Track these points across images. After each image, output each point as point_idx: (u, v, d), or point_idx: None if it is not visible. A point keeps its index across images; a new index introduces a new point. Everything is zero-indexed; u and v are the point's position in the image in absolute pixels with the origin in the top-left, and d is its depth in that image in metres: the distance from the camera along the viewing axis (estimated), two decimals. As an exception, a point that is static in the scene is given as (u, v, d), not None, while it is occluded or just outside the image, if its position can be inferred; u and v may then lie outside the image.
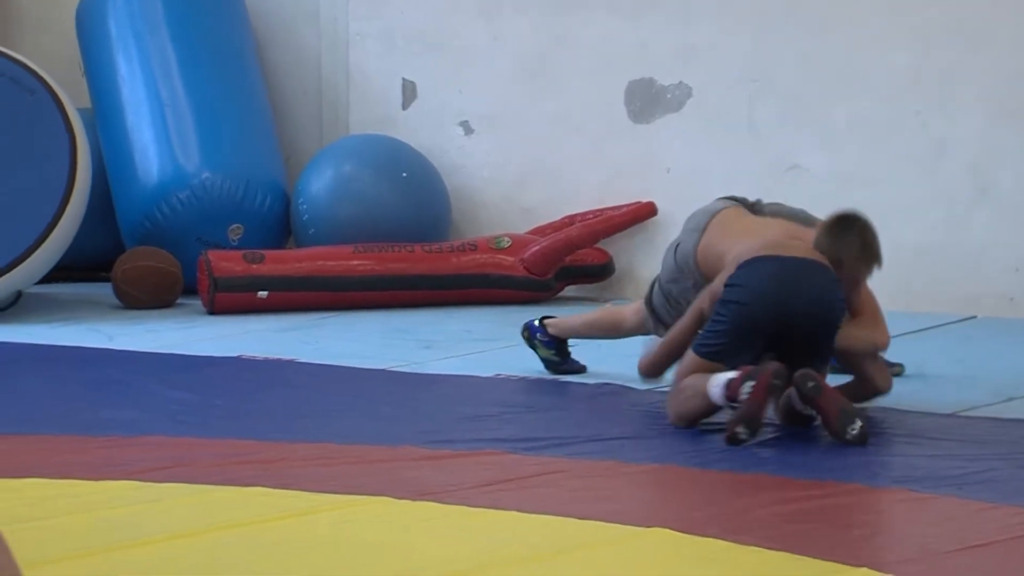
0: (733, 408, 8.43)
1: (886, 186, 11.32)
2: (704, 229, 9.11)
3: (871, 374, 8.71)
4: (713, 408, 8.53)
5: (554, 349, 9.86)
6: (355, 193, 12.29)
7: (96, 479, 7.97)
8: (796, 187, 11.27)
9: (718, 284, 8.65)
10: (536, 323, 9.85)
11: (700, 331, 8.72)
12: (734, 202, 9.23)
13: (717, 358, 8.48)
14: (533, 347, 9.91)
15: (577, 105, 12.28)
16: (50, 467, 8.21)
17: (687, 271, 9.13)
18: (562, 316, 9.96)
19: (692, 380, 8.59)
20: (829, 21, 11.65)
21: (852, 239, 8.63)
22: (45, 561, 6.60)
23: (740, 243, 8.83)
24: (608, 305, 9.98)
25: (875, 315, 8.90)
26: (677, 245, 9.21)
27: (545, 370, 9.88)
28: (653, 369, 9.05)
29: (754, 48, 11.91)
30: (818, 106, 11.74)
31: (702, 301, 8.77)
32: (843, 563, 6.73)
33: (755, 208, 9.21)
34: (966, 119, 11.39)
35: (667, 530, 7.15)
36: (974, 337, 11.13)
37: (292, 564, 6.93)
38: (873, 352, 8.73)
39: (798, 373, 8.21)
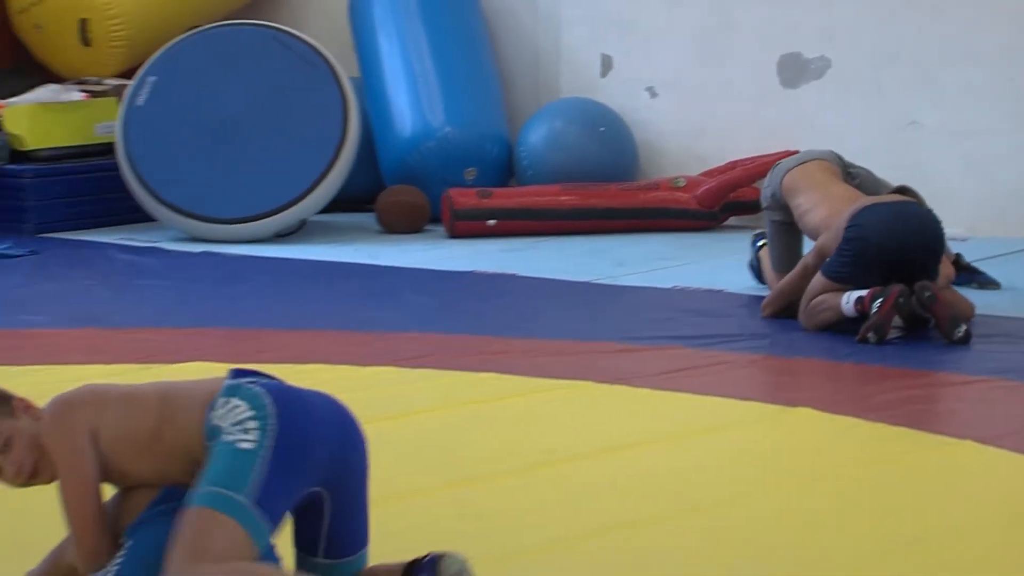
0: (862, 319, 8.44)
1: (987, 137, 11.24)
2: (799, 163, 9.28)
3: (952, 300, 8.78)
4: (843, 319, 8.54)
5: None
6: (563, 143, 12.24)
7: (365, 365, 8.11)
8: (914, 138, 11.18)
9: (824, 241, 8.76)
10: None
11: (818, 269, 8.75)
12: (835, 156, 9.30)
13: (844, 281, 8.56)
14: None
15: (739, 74, 12.25)
16: (330, 355, 8.36)
17: (773, 182, 9.31)
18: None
19: (824, 297, 8.66)
20: (941, 5, 11.55)
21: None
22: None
23: (824, 204, 8.96)
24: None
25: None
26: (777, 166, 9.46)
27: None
28: (771, 309, 9.11)
29: (881, 26, 11.86)
30: (933, 73, 11.64)
31: (808, 257, 8.90)
32: (951, 436, 6.87)
33: (847, 167, 9.26)
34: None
35: (810, 409, 7.26)
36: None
37: (515, 432, 7.11)
38: (947, 284, 8.82)
39: (917, 284, 8.33)
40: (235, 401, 4.53)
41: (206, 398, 4.60)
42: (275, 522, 4.48)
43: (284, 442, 4.49)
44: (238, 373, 4.63)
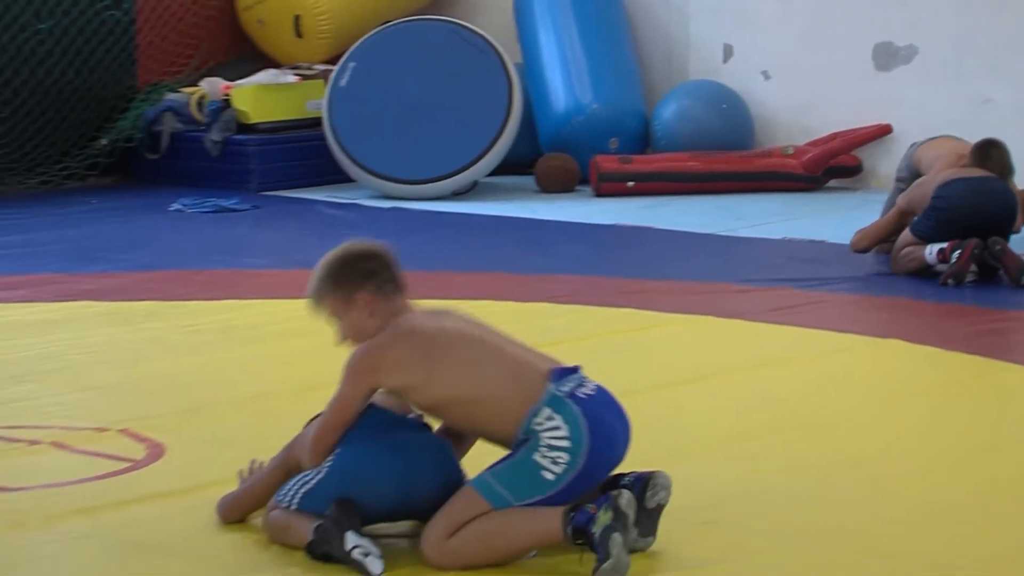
0: (943, 266, 8.54)
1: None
2: (925, 143, 9.38)
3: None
4: (926, 266, 8.63)
5: None
6: (691, 118, 12.25)
7: (525, 302, 8.25)
8: (988, 115, 11.14)
9: (916, 192, 8.85)
10: None
11: (906, 222, 8.82)
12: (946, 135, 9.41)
13: (928, 240, 8.65)
14: None
15: (840, 59, 12.20)
16: (497, 293, 8.43)
17: (907, 154, 9.44)
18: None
19: (911, 248, 8.78)
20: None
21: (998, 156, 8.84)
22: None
23: (938, 161, 9.04)
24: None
25: None
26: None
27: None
28: (863, 245, 9.15)
29: (960, 17, 11.81)
30: (1005, 58, 11.64)
31: (901, 203, 8.95)
32: (1018, 363, 7.07)
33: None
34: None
35: (899, 340, 7.42)
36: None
37: (653, 357, 7.33)
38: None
39: (990, 239, 8.41)
40: (558, 421, 4.49)
41: (530, 395, 4.54)
42: None
43: (578, 481, 4.48)
44: (561, 373, 4.59)
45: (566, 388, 4.55)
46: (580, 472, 4.46)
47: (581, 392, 4.56)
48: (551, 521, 4.42)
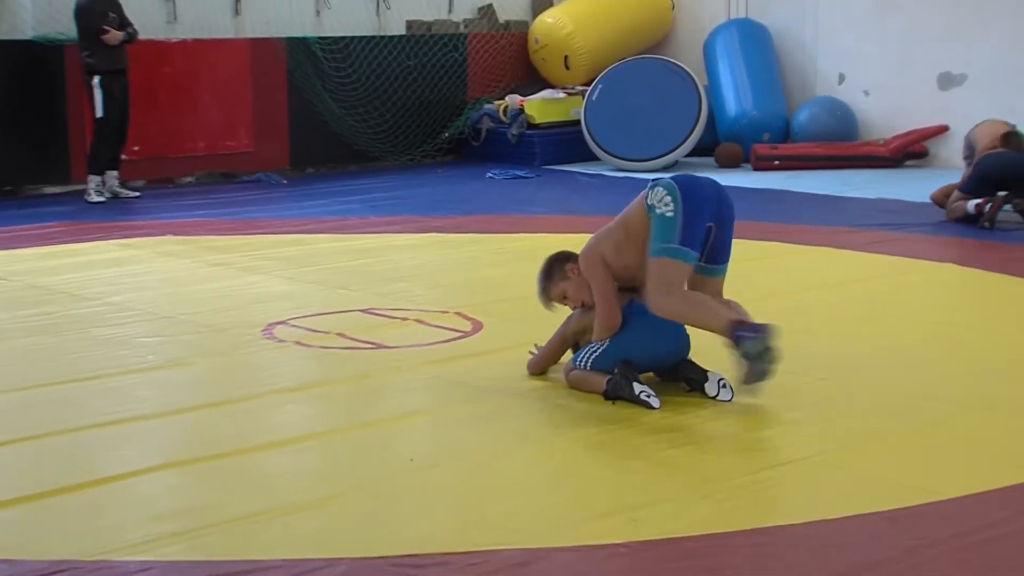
0: (979, 215, 8.34)
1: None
2: (976, 127, 9.07)
3: None
4: (967, 215, 8.43)
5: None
6: (817, 121, 12.00)
7: None
8: (1014, 120, 10.78)
9: (966, 173, 8.63)
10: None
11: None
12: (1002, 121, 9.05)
13: (971, 194, 8.44)
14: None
15: (916, 82, 11.89)
16: None
17: (967, 137, 9.02)
18: None
19: (958, 204, 8.50)
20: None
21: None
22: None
23: (980, 142, 8.73)
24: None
25: None
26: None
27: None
28: (941, 201, 8.91)
29: (996, 58, 11.45)
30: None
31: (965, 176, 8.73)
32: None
33: (1010, 126, 8.94)
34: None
35: (952, 264, 7.30)
36: None
37: (789, 272, 7.09)
38: None
39: (1017, 197, 8.28)
40: (658, 188, 4.48)
41: (642, 198, 4.55)
42: (697, 249, 4.46)
43: (688, 205, 4.42)
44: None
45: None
46: (684, 202, 4.40)
47: (669, 175, 4.63)
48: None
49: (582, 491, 3.80)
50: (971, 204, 8.49)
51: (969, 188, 8.59)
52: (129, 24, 9.93)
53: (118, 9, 9.94)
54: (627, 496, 3.69)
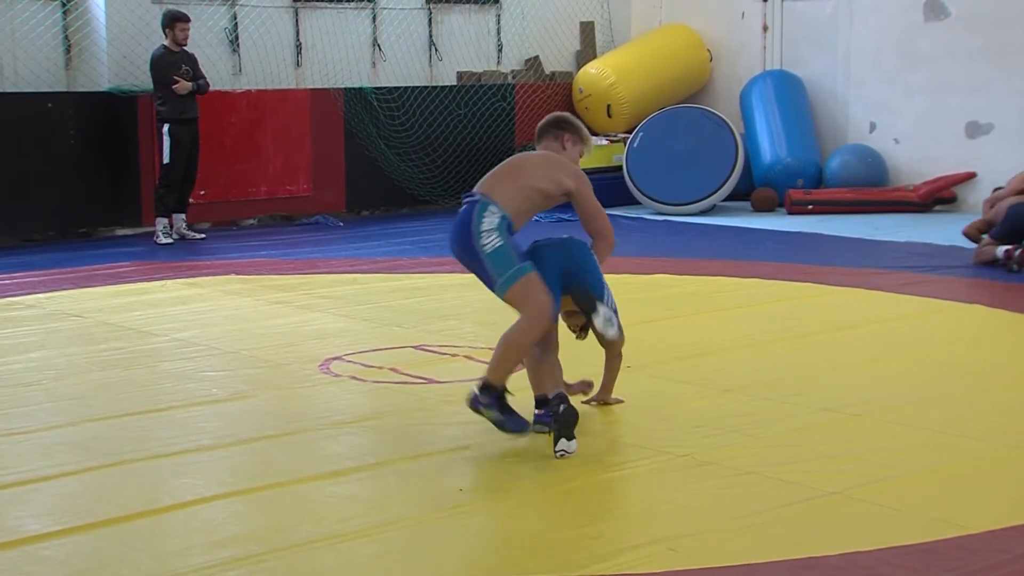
0: (1008, 260, 8.29)
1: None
2: (1014, 177, 9.00)
3: None
4: (995, 260, 8.40)
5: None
6: (848, 167, 11.90)
7: (742, 278, 7.99)
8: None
9: (994, 211, 8.56)
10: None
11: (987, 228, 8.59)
12: None
13: (1001, 241, 8.39)
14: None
15: (943, 131, 11.76)
16: (725, 272, 8.18)
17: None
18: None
19: (987, 248, 8.48)
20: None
21: None
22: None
23: (1012, 191, 8.69)
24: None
25: None
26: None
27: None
28: (974, 236, 8.85)
29: (1020, 109, 11.32)
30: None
31: (987, 216, 8.70)
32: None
33: None
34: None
35: (980, 305, 7.23)
36: None
37: (823, 311, 7.03)
38: None
39: None
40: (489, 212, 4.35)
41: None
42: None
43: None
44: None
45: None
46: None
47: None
48: None
49: (621, 522, 3.79)
50: (1000, 250, 8.45)
51: (999, 234, 8.55)
52: (201, 76, 10.10)
53: (192, 62, 10.11)
54: (665, 527, 3.67)
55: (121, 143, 10.41)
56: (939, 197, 11.66)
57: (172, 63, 9.94)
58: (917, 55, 11.94)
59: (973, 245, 8.90)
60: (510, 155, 12.26)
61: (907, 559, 3.39)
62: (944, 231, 10.01)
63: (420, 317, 6.81)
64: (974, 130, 11.71)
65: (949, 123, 11.78)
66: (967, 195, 11.67)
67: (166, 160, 9.94)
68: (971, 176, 11.65)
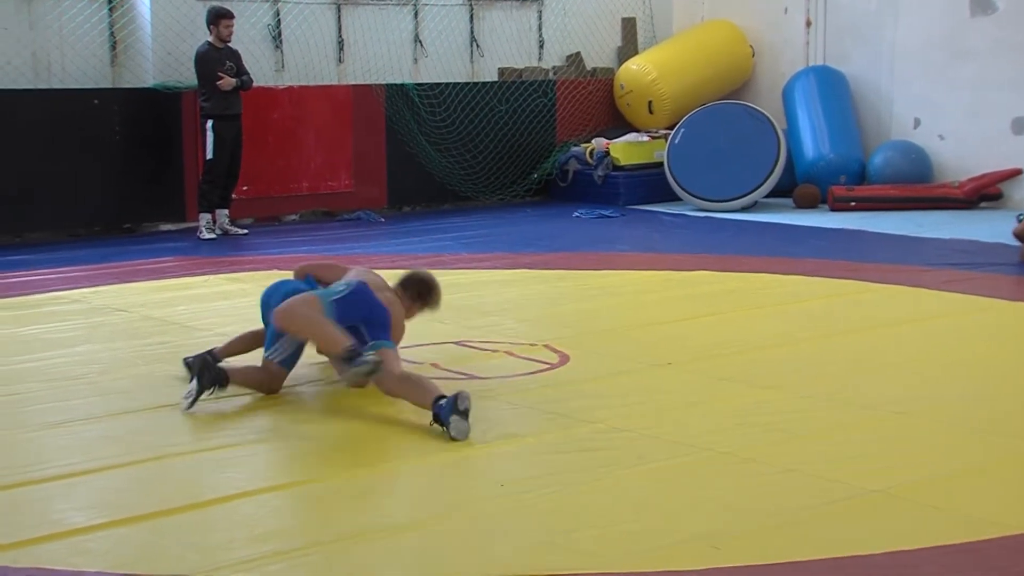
0: None
1: None
2: None
3: None
4: None
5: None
6: (891, 164, 11.83)
7: (784, 274, 7.96)
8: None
9: None
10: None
11: None
12: None
13: None
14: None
15: (989, 127, 11.67)
16: (766, 269, 8.18)
17: None
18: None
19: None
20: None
21: None
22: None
23: None
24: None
25: None
26: None
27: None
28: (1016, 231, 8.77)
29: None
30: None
31: None
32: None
33: None
34: None
35: (1022, 303, 7.20)
36: None
37: (862, 310, 6.96)
38: None
39: None
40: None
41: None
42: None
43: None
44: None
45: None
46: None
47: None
48: None
49: (665, 518, 3.77)
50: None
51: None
52: (245, 72, 10.16)
53: (236, 58, 10.15)
54: (707, 524, 3.67)
55: (165, 139, 10.49)
56: (985, 194, 11.58)
57: (216, 59, 9.99)
58: (963, 50, 11.86)
59: (1020, 244, 8.84)
60: (551, 152, 12.48)
61: (950, 559, 3.38)
62: (989, 228, 9.94)
63: (461, 313, 6.80)
64: (1020, 126, 11.59)
65: (995, 119, 11.68)
66: (1013, 192, 11.61)
67: (210, 156, 10.01)
68: (1017, 172, 11.54)
